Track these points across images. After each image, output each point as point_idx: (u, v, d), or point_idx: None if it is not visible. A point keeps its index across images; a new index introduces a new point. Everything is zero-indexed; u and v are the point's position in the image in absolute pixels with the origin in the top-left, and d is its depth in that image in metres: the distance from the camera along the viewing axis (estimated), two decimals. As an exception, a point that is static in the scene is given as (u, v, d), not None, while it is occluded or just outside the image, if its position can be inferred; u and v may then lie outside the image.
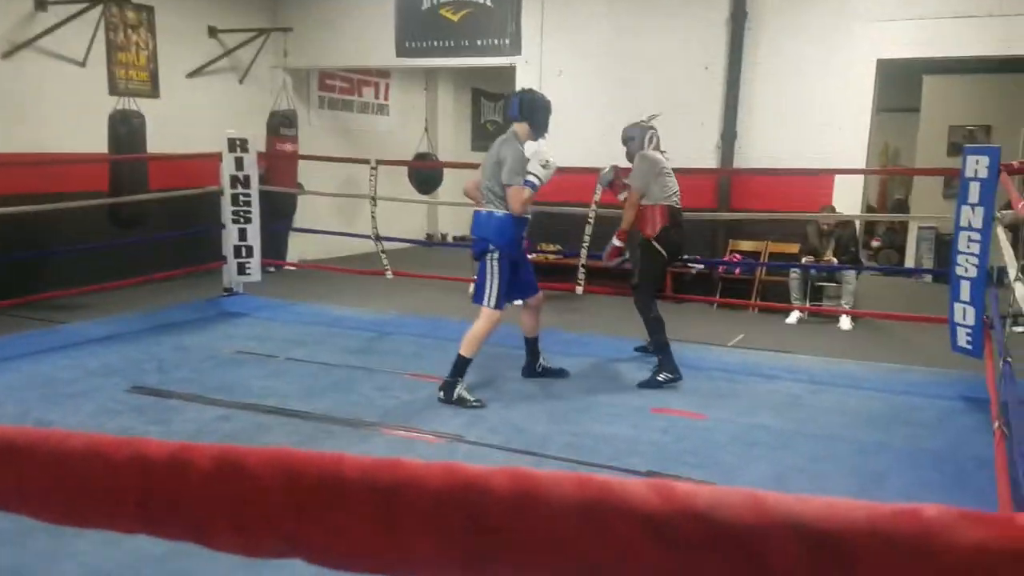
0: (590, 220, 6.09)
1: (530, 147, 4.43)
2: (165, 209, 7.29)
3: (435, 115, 12.02)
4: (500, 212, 4.43)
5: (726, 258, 7.59)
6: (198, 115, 8.34)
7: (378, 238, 6.78)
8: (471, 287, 4.87)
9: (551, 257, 8.07)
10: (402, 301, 7.21)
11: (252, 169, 6.68)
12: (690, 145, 7.61)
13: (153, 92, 8.21)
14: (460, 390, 4.43)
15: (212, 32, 8.80)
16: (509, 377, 5.01)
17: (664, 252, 4.96)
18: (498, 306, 4.45)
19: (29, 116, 7.09)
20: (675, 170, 4.95)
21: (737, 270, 7.51)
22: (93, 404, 4.34)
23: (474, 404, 4.40)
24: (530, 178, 4.38)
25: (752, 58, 7.42)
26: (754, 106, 7.46)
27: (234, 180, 6.65)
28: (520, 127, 4.53)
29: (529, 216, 4.59)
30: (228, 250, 6.78)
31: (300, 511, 0.65)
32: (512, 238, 4.50)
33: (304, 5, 9.30)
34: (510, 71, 8.57)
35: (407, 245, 9.00)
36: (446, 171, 10.12)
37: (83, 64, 7.51)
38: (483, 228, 4.48)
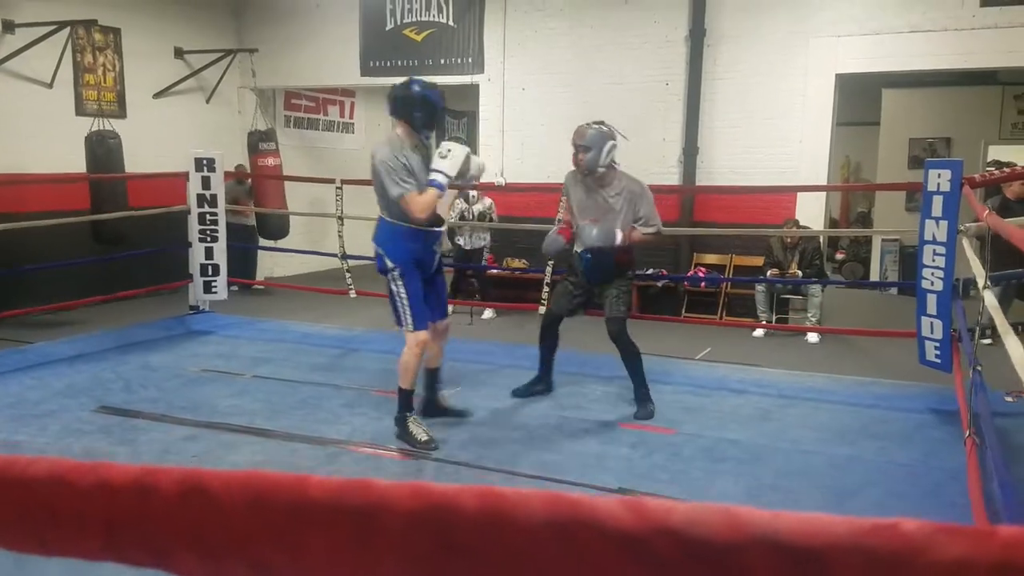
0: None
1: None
2: (135, 227, 7.22)
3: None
4: (392, 222, 3.92)
5: (690, 272, 7.68)
6: (165, 135, 8.29)
7: (344, 256, 6.77)
8: None
9: (516, 273, 8.11)
10: (368, 317, 7.17)
11: (219, 188, 6.64)
12: (652, 160, 7.72)
13: (120, 112, 8.16)
14: (411, 425, 4.04)
15: (178, 53, 8.77)
16: (479, 392, 5.00)
17: (631, 277, 4.69)
18: (420, 326, 3.97)
19: (-3, 136, 7.01)
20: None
21: (702, 284, 7.60)
22: (60, 424, 4.26)
23: (422, 444, 3.96)
24: (433, 177, 3.82)
25: (712, 74, 7.55)
26: (715, 121, 7.58)
27: (200, 199, 6.59)
28: (400, 126, 3.95)
29: (441, 229, 4.14)
30: (195, 268, 6.71)
31: (266, 535, 0.64)
32: (412, 251, 3.97)
33: (269, 26, 9.31)
34: (474, 89, 8.64)
35: (373, 263, 8.99)
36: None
37: (50, 85, 7.46)
38: (379, 240, 4.01)
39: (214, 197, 6.61)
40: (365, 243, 8.46)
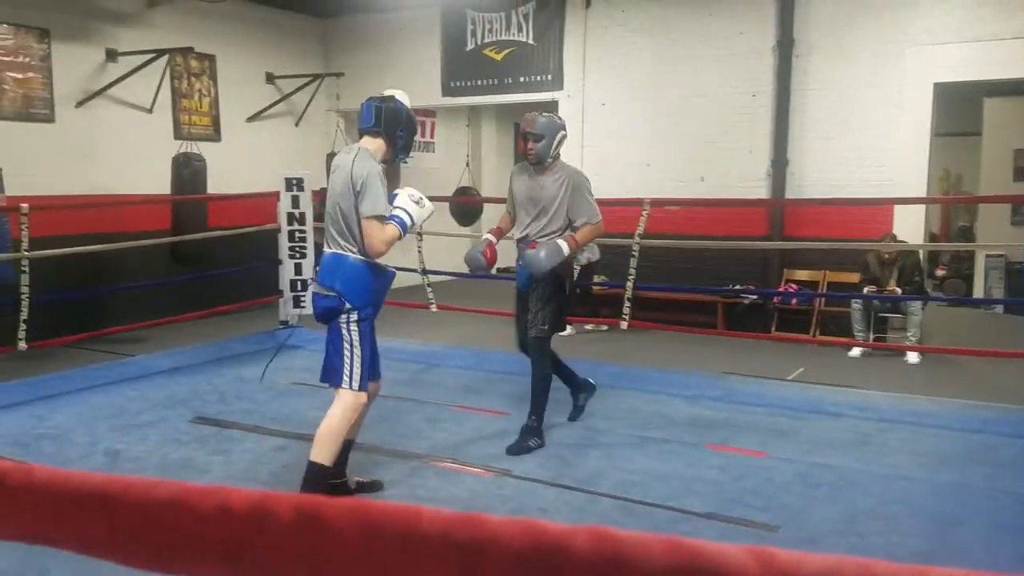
0: (635, 252, 6.05)
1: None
2: (226, 246, 7.49)
3: (478, 150, 12.20)
4: (353, 256, 3.31)
5: (781, 288, 7.45)
6: (257, 157, 8.59)
7: (425, 271, 6.89)
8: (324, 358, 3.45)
9: (595, 288, 8.03)
10: (448, 332, 7.23)
11: (307, 207, 6.85)
12: (739, 173, 7.56)
13: (215, 136, 8.51)
14: None
15: (269, 78, 9.11)
16: (557, 410, 4.96)
17: (567, 289, 4.38)
18: (364, 386, 3.34)
19: (100, 160, 7.41)
20: (724, 200, 4.85)
21: (793, 300, 7.36)
22: (159, 434, 4.44)
23: None
24: (399, 214, 3.33)
25: (801, 84, 7.35)
26: (805, 133, 7.37)
27: (290, 217, 6.81)
28: (373, 143, 3.38)
29: (393, 271, 3.50)
30: (284, 284, 6.92)
31: (377, 565, 0.64)
32: (375, 294, 3.39)
33: (354, 51, 9.58)
34: (552, 105, 8.66)
35: (452, 278, 9.06)
36: (487, 204, 10.29)
37: (150, 111, 7.83)
38: (332, 276, 3.31)
39: (303, 215, 6.82)
40: (444, 258, 8.63)
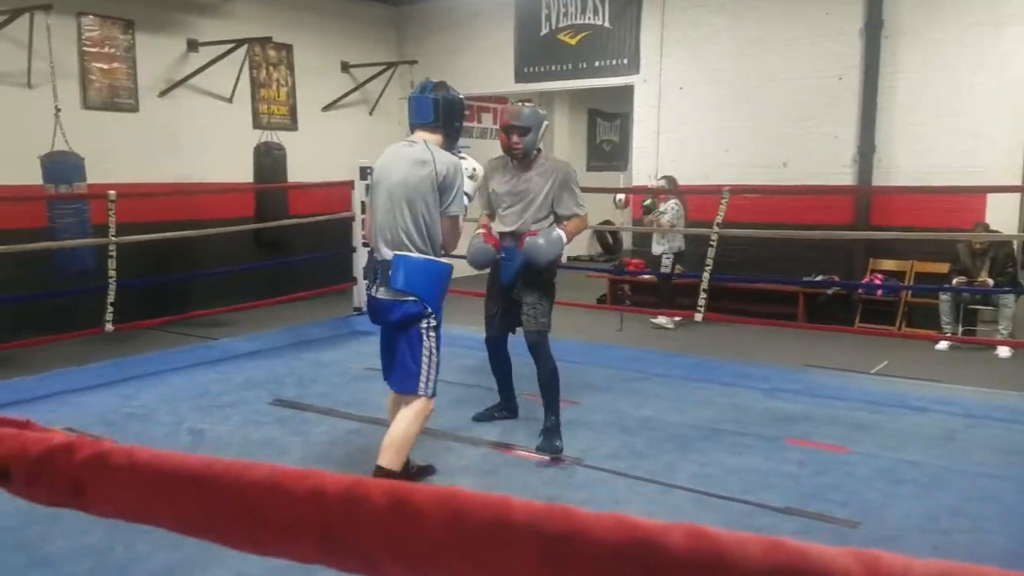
0: (712, 242, 5.91)
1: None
2: (303, 233, 7.66)
3: (551, 137, 12.09)
4: (423, 257, 3.14)
5: (866, 279, 7.19)
6: (332, 146, 8.74)
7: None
8: (396, 364, 3.32)
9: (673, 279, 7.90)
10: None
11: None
12: (823, 159, 7.32)
13: (292, 125, 8.70)
14: None
15: (344, 67, 9.25)
16: (630, 400, 4.91)
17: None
18: (435, 393, 3.27)
19: (182, 149, 7.65)
20: (808, 187, 4.69)
21: (879, 292, 7.09)
22: (240, 415, 4.59)
23: None
24: (464, 201, 3.27)
25: (890, 67, 7.06)
26: (894, 117, 7.08)
27: (364, 206, 6.91)
28: (432, 137, 3.21)
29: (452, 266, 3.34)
30: (358, 272, 7.04)
31: (466, 552, 0.63)
32: (445, 289, 3.29)
33: (428, 38, 9.64)
34: (627, 90, 8.58)
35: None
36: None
37: (230, 100, 8.04)
38: (411, 280, 3.11)
39: (377, 203, 6.91)
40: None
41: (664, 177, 7.51)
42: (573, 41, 8.65)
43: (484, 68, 9.26)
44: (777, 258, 7.40)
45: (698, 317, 5.92)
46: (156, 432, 4.30)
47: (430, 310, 3.16)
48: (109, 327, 5.59)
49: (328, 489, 0.59)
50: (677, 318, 7.13)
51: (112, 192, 5.62)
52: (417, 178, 3.09)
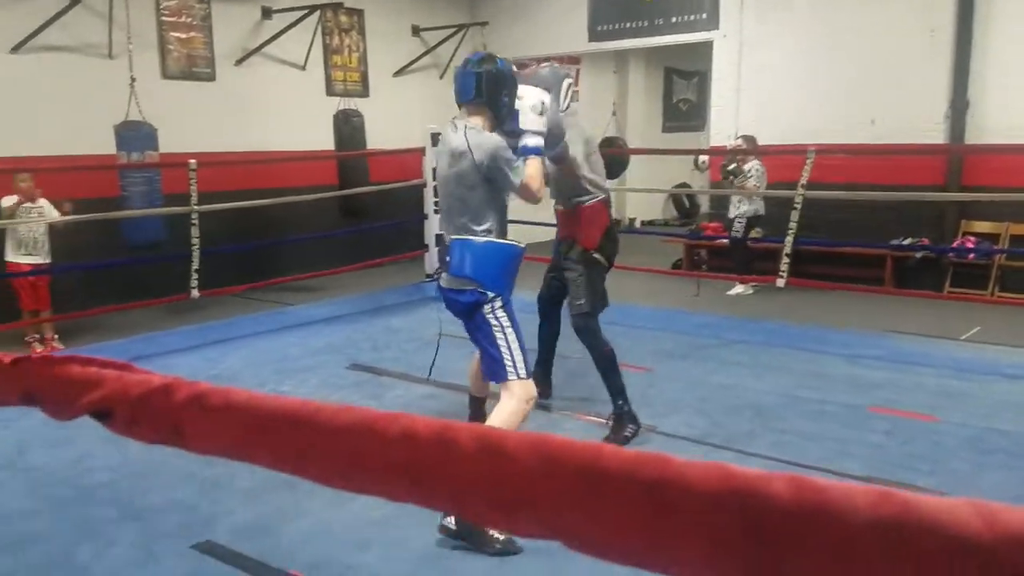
0: (796, 204, 5.71)
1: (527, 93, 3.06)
2: (376, 201, 7.76)
3: (624, 97, 11.86)
4: (482, 239, 2.95)
5: (957, 242, 6.86)
6: (403, 111, 8.78)
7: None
8: (480, 357, 3.20)
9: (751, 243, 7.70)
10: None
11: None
12: (913, 117, 6.98)
13: (363, 92, 8.76)
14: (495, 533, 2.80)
15: (415, 31, 9.24)
16: (705, 366, 4.84)
17: (606, 261, 3.86)
18: (528, 373, 3.01)
19: (257, 116, 7.78)
20: (897, 147, 4.47)
21: (971, 255, 6.76)
22: (318, 378, 4.71)
23: (500, 546, 2.79)
24: (529, 143, 3.01)
25: (985, 20, 6.65)
26: (988, 72, 6.68)
27: (435, 173, 6.93)
28: (477, 116, 2.98)
29: (523, 246, 3.06)
30: (430, 239, 7.10)
31: (558, 496, 0.63)
32: (512, 275, 3.06)
33: (500, -1, 9.54)
34: (705, 47, 8.33)
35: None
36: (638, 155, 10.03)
37: (303, 68, 8.14)
38: (463, 266, 2.95)
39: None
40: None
41: (743, 136, 7.26)
42: (649, -2, 8.46)
43: (556, 27, 9.13)
44: (863, 221, 7.13)
45: (780, 283, 5.75)
46: (240, 393, 4.46)
47: (490, 295, 2.93)
48: (195, 293, 5.80)
49: (419, 431, 0.59)
50: (755, 284, 6.95)
51: (193, 161, 5.78)
52: (460, 171, 2.91)
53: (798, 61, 7.58)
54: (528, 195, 2.96)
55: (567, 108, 3.59)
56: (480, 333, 2.98)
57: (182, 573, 2.60)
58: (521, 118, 2.98)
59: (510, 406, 2.93)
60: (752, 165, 6.87)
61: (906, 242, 6.99)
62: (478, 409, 3.52)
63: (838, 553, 0.54)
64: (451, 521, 2.77)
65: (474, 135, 2.89)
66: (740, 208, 7.02)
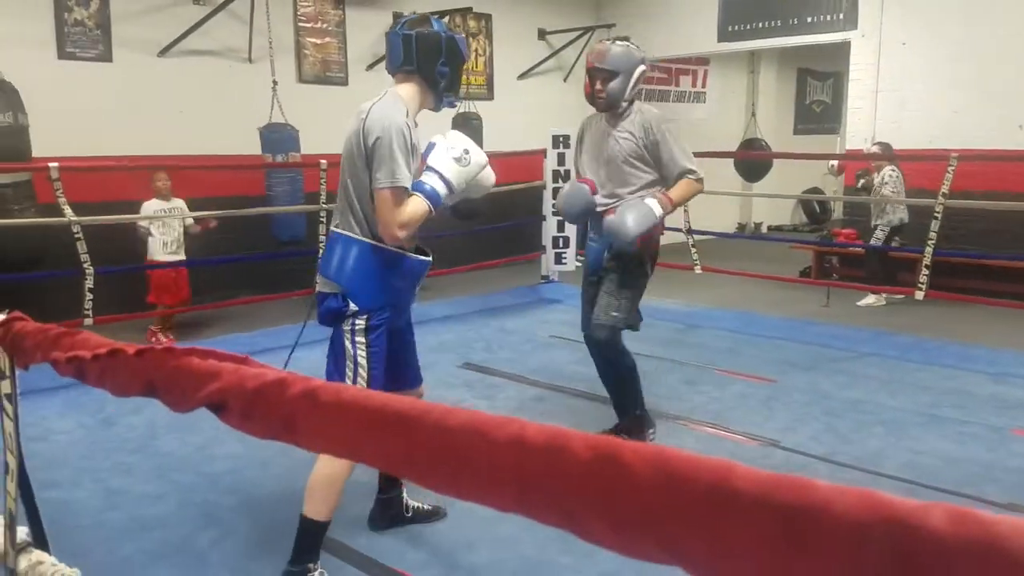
0: (937, 213, 5.34)
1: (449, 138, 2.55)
2: (494, 202, 7.80)
3: (755, 97, 11.50)
4: (368, 241, 2.42)
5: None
6: (526, 114, 8.82)
7: (690, 231, 6.68)
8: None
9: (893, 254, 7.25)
10: (712, 294, 6.97)
11: (573, 164, 6.93)
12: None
13: (488, 95, 8.86)
14: None
15: (541, 34, 9.27)
16: (834, 380, 4.59)
17: (649, 272, 3.45)
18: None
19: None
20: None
21: None
22: (432, 377, 4.74)
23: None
24: (429, 181, 2.42)
25: None
26: None
27: (555, 175, 6.94)
28: (405, 87, 2.49)
29: (425, 260, 2.54)
30: (547, 240, 7.10)
31: (682, 517, 0.57)
32: (395, 292, 2.50)
33: (626, 0, 9.42)
34: (842, 47, 8.02)
35: (716, 238, 8.70)
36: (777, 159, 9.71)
37: (431, 72, 8.30)
38: (333, 266, 2.44)
39: (568, 173, 6.91)
40: (709, 217, 8.31)
41: (878, 143, 6.87)
42: (784, -4, 8.20)
43: (684, 28, 8.95)
44: (1010, 231, 6.59)
45: (919, 295, 5.39)
46: (359, 386, 4.58)
47: (353, 307, 2.40)
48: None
49: (529, 438, 0.56)
50: (888, 295, 6.55)
51: (323, 161, 6.01)
52: (349, 148, 2.41)
53: (940, 62, 7.12)
54: (383, 219, 2.34)
55: (632, 96, 3.29)
56: (336, 342, 2.46)
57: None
58: (433, 155, 2.47)
59: (329, 466, 2.37)
60: (885, 172, 6.49)
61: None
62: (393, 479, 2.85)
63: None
64: None
65: (378, 105, 2.40)
66: (885, 216, 6.64)
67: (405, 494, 2.87)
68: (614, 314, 3.33)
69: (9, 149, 4.99)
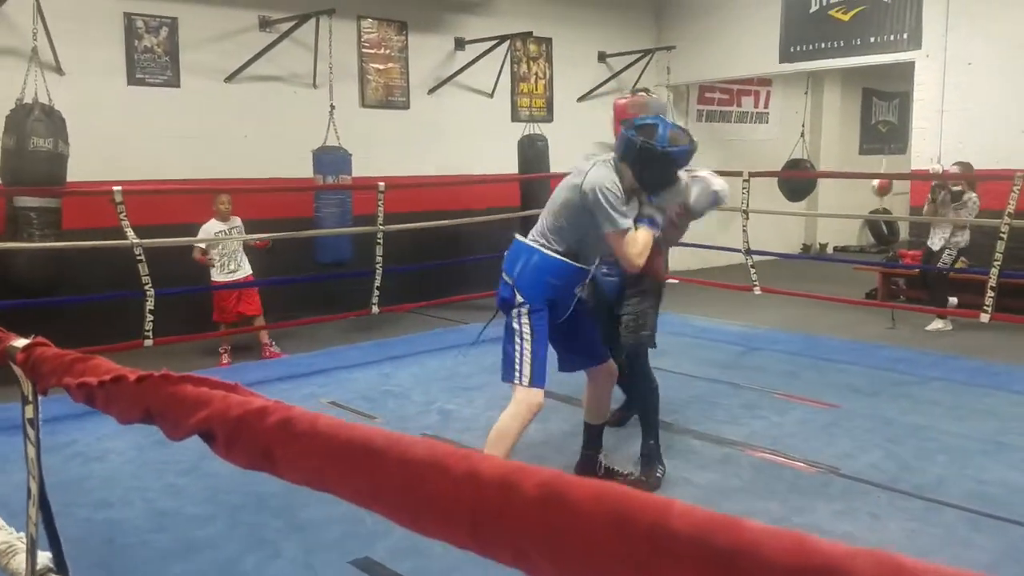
0: (1003, 234, 5.15)
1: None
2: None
3: (819, 119, 11.34)
4: (547, 252, 3.11)
5: None
6: (585, 136, 8.82)
7: (749, 252, 6.56)
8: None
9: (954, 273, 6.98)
10: (772, 315, 6.82)
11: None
12: None
13: (548, 117, 8.93)
14: None
15: (601, 57, 9.30)
16: (898, 404, 4.44)
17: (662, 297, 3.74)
18: (538, 382, 3.11)
19: (445, 143, 8.12)
20: None
21: None
22: (484, 398, 4.79)
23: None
24: (650, 213, 3.08)
25: None
26: None
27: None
28: (623, 165, 3.08)
29: (585, 267, 3.17)
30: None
31: (624, 556, 0.58)
32: (553, 290, 3.14)
33: (687, 22, 9.40)
34: (905, 67, 7.87)
35: (776, 258, 8.52)
36: (825, 178, 9.54)
37: (491, 95, 8.43)
38: (516, 268, 3.16)
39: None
40: (768, 238, 8.16)
41: (958, 163, 6.61)
42: (846, 17, 8.06)
43: (745, 49, 8.86)
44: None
45: (984, 318, 5.19)
46: (409, 410, 4.60)
47: (521, 298, 3.09)
48: (375, 309, 6.12)
49: (483, 473, 0.57)
50: (954, 317, 6.32)
51: (382, 183, 6.13)
52: (569, 186, 3.12)
53: (1007, 82, 6.94)
54: (621, 255, 3.07)
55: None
56: (505, 330, 3.16)
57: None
58: (694, 191, 3.23)
59: (512, 410, 3.11)
60: (971, 196, 6.30)
61: None
62: (593, 436, 3.63)
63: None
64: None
65: (598, 165, 3.06)
66: (954, 238, 6.43)
67: (603, 456, 3.58)
68: (644, 334, 3.60)
69: (44, 174, 5.03)
